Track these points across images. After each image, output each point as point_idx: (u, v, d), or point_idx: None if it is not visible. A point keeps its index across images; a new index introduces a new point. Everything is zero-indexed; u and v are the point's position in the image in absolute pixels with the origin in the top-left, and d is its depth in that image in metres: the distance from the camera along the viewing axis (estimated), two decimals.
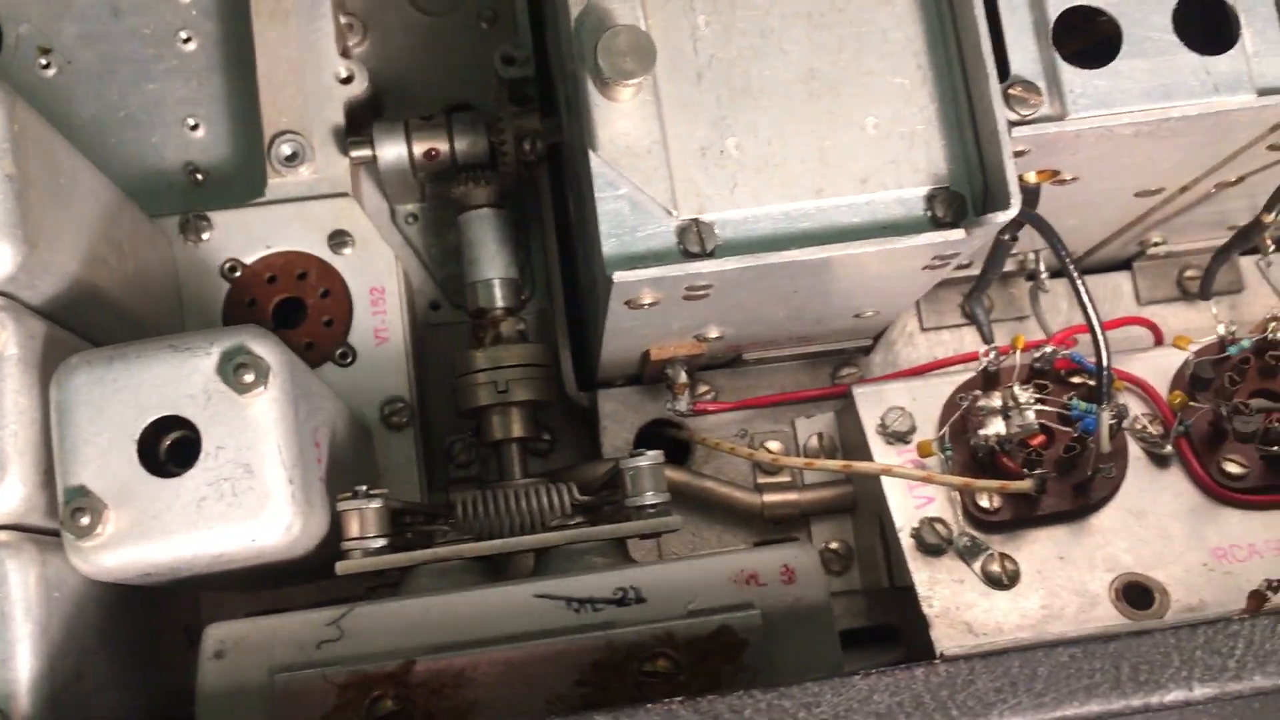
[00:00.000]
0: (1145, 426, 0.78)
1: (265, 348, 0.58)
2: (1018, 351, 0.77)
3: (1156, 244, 0.87)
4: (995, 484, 0.73)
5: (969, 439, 0.75)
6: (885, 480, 0.76)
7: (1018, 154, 0.63)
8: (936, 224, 0.62)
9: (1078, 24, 0.64)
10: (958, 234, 0.60)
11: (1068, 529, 0.75)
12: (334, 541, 0.63)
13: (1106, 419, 0.72)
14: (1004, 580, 0.73)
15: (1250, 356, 0.78)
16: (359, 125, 0.89)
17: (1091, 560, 0.74)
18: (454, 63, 0.97)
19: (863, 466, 0.73)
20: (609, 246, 0.61)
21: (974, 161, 0.62)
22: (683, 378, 0.81)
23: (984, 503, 0.75)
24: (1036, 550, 0.74)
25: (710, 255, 0.61)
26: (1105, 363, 0.70)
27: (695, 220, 0.61)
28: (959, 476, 0.73)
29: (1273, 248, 0.86)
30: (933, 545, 0.74)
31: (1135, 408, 0.79)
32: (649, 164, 0.61)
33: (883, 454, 0.78)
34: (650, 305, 0.65)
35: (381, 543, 0.62)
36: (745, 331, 0.78)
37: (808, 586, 0.59)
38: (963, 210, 0.62)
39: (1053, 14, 0.61)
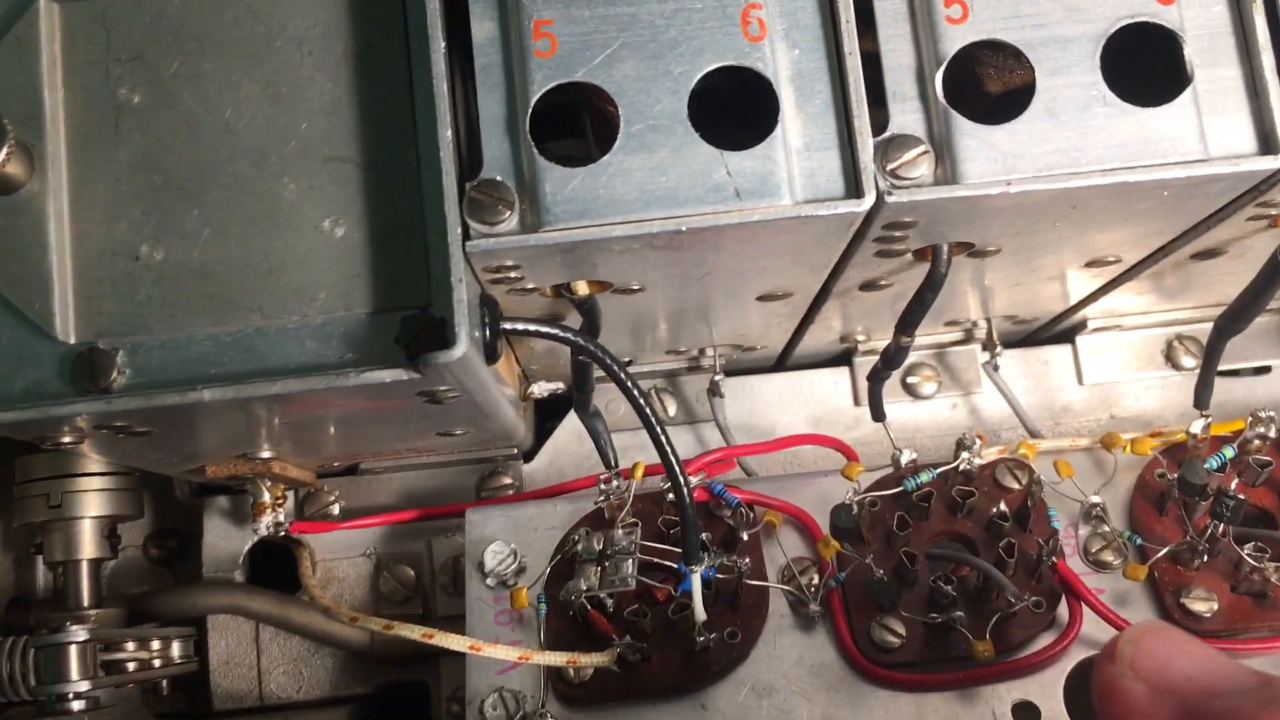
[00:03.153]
0: (795, 576, 0.64)
1: None
2: (634, 481, 0.63)
3: (861, 340, 0.72)
4: (561, 657, 0.59)
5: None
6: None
7: (501, 269, 0.49)
8: (410, 356, 0.48)
9: None
10: (398, 374, 0.47)
11: (674, 707, 0.61)
12: None
13: (698, 582, 0.58)
14: None
15: (933, 491, 0.64)
16: None
17: None
18: None
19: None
20: None
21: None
22: (264, 496, 0.68)
23: (571, 675, 0.61)
24: None
25: (106, 393, 0.48)
26: (689, 510, 0.57)
27: (91, 348, 0.48)
28: (514, 648, 0.59)
29: (999, 348, 0.72)
30: None
31: (793, 549, 0.65)
32: (36, 275, 0.48)
33: (479, 598, 0.65)
34: (71, 443, 0.52)
35: None
36: (313, 450, 0.65)
37: None
38: (443, 339, 0.48)
39: (534, 97, 0.47)
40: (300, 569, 0.71)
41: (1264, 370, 0.76)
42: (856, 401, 0.76)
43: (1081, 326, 0.75)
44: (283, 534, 0.70)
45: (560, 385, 0.70)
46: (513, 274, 0.50)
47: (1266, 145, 0.48)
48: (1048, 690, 0.61)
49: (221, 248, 0.49)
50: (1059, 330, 0.76)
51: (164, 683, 0.71)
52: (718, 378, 0.72)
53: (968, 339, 0.74)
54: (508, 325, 0.51)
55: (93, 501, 0.70)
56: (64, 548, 0.70)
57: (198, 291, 0.49)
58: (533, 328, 0.52)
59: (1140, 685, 0.43)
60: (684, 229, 0.46)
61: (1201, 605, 0.62)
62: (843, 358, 0.77)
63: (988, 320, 0.71)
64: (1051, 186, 0.46)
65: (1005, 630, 0.61)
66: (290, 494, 0.74)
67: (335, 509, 0.74)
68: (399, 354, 0.49)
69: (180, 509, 0.78)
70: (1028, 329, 0.74)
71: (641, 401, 0.54)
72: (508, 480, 0.75)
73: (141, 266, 0.49)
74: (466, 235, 0.47)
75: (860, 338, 0.72)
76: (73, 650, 0.53)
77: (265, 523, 0.68)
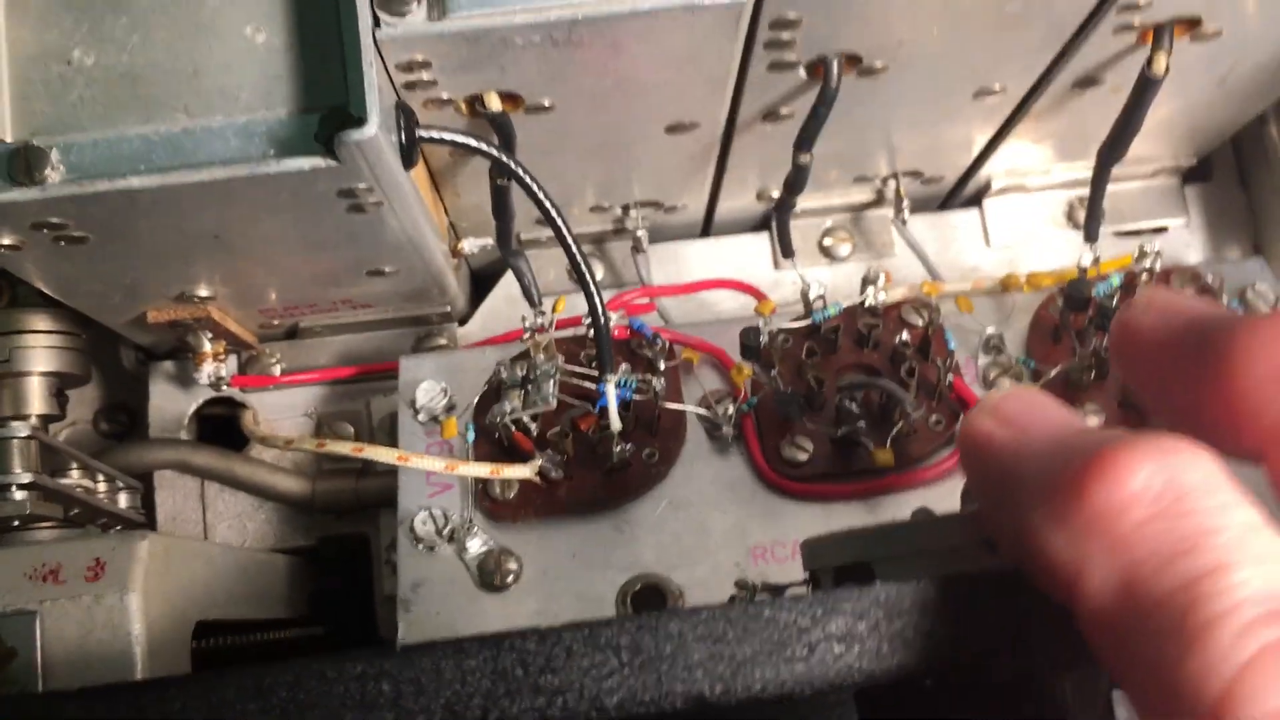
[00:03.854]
0: (712, 405, 0.67)
1: None
2: (555, 315, 0.67)
3: (776, 195, 0.76)
4: (485, 468, 0.62)
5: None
6: (401, 466, 0.66)
7: (412, 66, 0.52)
8: (326, 145, 0.52)
9: None
10: (316, 162, 0.50)
11: (594, 523, 0.64)
12: None
13: (613, 393, 0.62)
14: (497, 581, 0.62)
15: (840, 324, 0.68)
16: None
17: (609, 559, 0.63)
18: None
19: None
20: None
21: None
22: (205, 345, 0.71)
23: (496, 492, 0.64)
24: (552, 547, 0.64)
25: (40, 185, 0.51)
26: (602, 318, 0.60)
27: (26, 145, 0.51)
28: (439, 460, 0.62)
29: (906, 201, 0.76)
30: (424, 538, 0.63)
31: (710, 385, 0.69)
32: None
33: (411, 432, 0.68)
34: (10, 249, 0.55)
35: None
36: (248, 291, 0.68)
37: (111, 584, 0.48)
38: (357, 125, 0.51)
39: None
40: (243, 422, 0.74)
41: (1161, 230, 0.80)
42: (776, 265, 0.80)
43: (987, 189, 0.79)
44: (225, 388, 0.73)
45: (489, 241, 0.73)
46: (424, 74, 0.53)
47: None
48: (946, 501, 0.64)
49: (149, 53, 0.53)
50: (966, 195, 0.80)
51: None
52: (640, 233, 0.75)
53: (879, 200, 0.78)
54: (423, 132, 0.55)
55: (40, 357, 0.72)
56: (12, 403, 0.72)
57: (127, 94, 0.52)
58: (448, 136, 0.55)
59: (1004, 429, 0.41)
60: (580, 17, 0.49)
61: (1093, 420, 0.66)
62: (763, 224, 0.80)
63: (895, 177, 0.75)
64: None
65: (906, 446, 0.64)
66: (233, 357, 0.77)
67: (276, 370, 0.77)
68: (318, 148, 0.52)
69: (129, 383, 0.81)
70: (936, 189, 0.78)
71: (549, 207, 0.57)
72: (443, 342, 0.78)
73: (73, 70, 0.52)
74: (378, 26, 0.50)
75: (776, 194, 0.75)
76: (14, 444, 0.56)
77: (207, 372, 0.71)
